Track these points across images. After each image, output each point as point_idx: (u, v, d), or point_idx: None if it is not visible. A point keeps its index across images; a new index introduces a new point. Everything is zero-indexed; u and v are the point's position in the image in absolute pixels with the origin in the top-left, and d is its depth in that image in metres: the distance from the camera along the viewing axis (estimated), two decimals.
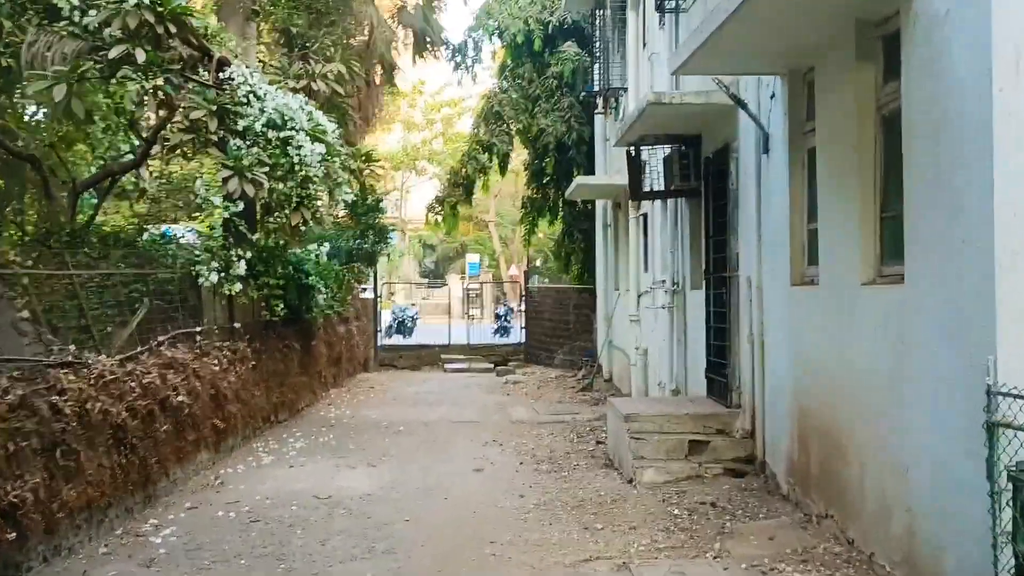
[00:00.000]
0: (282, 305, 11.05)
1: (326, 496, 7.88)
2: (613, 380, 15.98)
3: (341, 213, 15.24)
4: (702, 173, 9.52)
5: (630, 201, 13.24)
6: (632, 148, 10.18)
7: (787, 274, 7.09)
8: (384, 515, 7.21)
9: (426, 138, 42.62)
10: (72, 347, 6.57)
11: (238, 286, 9.74)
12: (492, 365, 20.70)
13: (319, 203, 10.70)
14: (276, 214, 10.20)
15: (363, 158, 13.67)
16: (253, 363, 10.68)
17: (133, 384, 7.14)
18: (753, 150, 7.84)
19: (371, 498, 7.80)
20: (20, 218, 11.77)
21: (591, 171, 17.11)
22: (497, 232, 50.16)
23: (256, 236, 10.40)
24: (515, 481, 8.40)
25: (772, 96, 7.42)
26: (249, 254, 9.99)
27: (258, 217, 10.76)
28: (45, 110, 10.43)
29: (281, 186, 9.72)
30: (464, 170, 19.85)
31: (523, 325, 21.85)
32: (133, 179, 11.99)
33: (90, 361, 6.62)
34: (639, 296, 13.35)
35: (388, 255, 28.37)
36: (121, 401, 6.85)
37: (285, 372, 12.29)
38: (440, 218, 20.18)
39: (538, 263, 50.52)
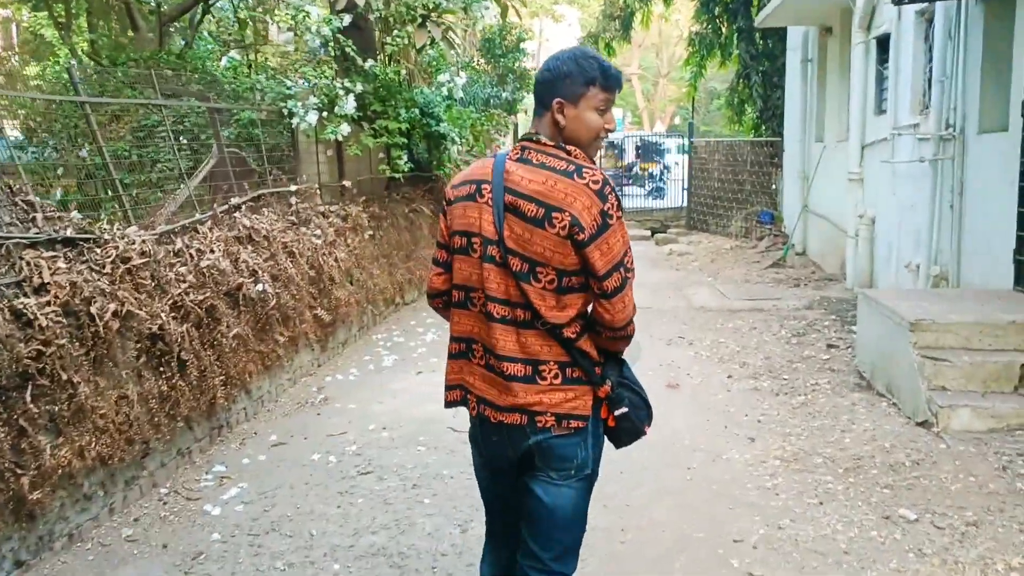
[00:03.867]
0: (406, 158, 8.52)
1: (467, 428, 5.50)
2: (808, 255, 12.95)
3: (478, 38, 12.36)
4: None
5: (857, 20, 9.85)
6: None
7: None
8: None
9: None
10: (76, 215, 4.24)
11: (345, 128, 7.24)
12: (649, 232, 17.91)
13: (450, 19, 7.97)
14: (396, 32, 7.54)
15: None
16: (370, 232, 8.33)
17: (183, 269, 4.83)
18: None
19: None
20: (95, 46, 9.58)
21: None
22: (640, 86, 46.12)
23: (370, 64, 7.80)
24: (732, 409, 5.79)
25: None
26: (360, 87, 7.43)
27: (375, 42, 8.17)
28: None
29: None
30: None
31: (686, 186, 18.77)
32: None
33: (106, 237, 4.30)
34: (863, 148, 10.14)
35: (526, 110, 25.56)
36: (160, 297, 4.55)
37: (412, 242, 9.94)
38: None
39: (677, 120, 46.70)
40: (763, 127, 16.94)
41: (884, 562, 3.66)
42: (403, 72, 8.70)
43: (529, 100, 22.20)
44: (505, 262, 2.21)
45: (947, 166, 7.56)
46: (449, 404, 2.50)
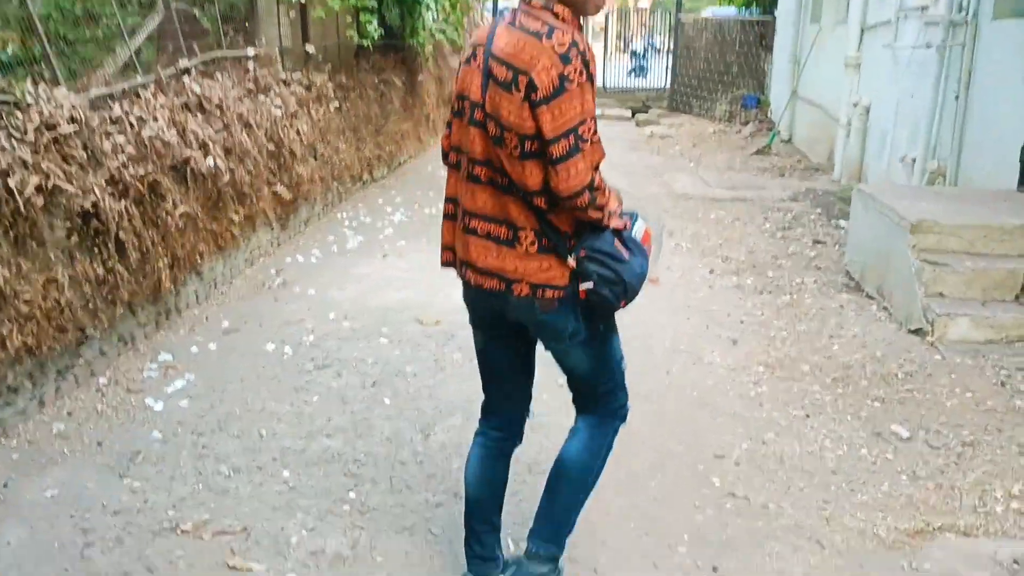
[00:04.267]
0: (376, 23, 7.84)
1: (433, 320, 5.16)
2: (795, 143, 12.50)
3: None
4: None
5: None
6: None
7: None
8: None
9: None
10: None
11: None
12: (630, 113, 17.28)
13: None
14: None
15: None
16: (336, 104, 7.75)
17: (121, 139, 4.32)
18: None
19: None
20: None
21: None
22: None
23: None
24: (714, 308, 5.49)
25: None
26: None
27: None
28: None
29: None
30: None
31: (670, 64, 18.02)
32: None
33: (28, 102, 3.77)
34: (863, 31, 9.58)
35: None
36: (95, 170, 4.07)
37: (382, 116, 9.35)
38: None
39: None
40: (755, 4, 16.15)
41: (875, 484, 3.42)
42: None
43: None
44: (484, 126, 2.19)
45: (955, 53, 7.08)
46: (445, 264, 2.52)
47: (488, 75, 2.16)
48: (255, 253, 6.17)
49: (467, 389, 4.14)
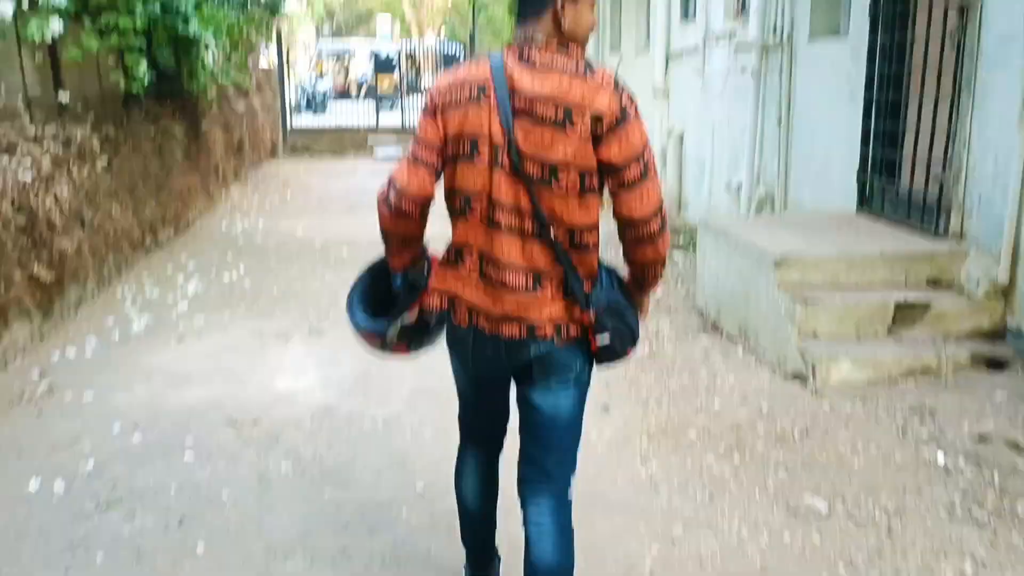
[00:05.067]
0: (145, 66, 6.73)
1: (250, 421, 4.22)
2: None
3: None
4: None
5: None
6: None
7: None
8: (381, 494, 3.64)
9: None
10: None
11: (57, 25, 5.46)
12: None
13: None
14: None
15: None
16: (105, 161, 6.58)
17: None
18: None
19: (332, 428, 4.20)
20: None
21: None
22: None
23: None
24: None
25: None
26: None
27: None
28: None
29: None
30: None
31: None
32: None
33: None
34: (668, 59, 9.48)
35: (290, 17, 23.30)
36: None
37: (163, 170, 8.18)
38: None
39: (442, 34, 45.18)
40: None
41: None
42: None
43: (294, 3, 20.02)
44: (518, 168, 2.15)
45: (773, 77, 6.96)
46: (425, 309, 2.38)
47: (522, 114, 2.12)
48: (8, 354, 4.96)
49: (305, 512, 3.27)
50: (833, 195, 6.17)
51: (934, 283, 4.66)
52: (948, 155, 4.69)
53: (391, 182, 2.26)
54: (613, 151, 2.10)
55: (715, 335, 5.36)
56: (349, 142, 17.21)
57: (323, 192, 12.17)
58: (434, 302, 2.35)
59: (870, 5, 5.46)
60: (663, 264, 2.28)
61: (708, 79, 8.34)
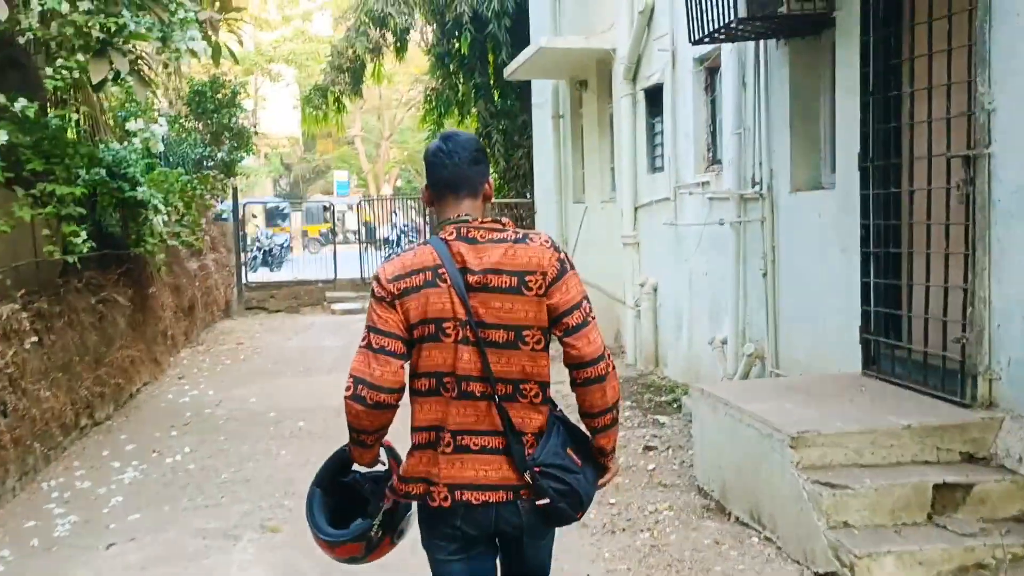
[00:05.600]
0: (85, 235, 6.21)
1: None
2: None
3: (185, 90, 10.26)
4: None
5: (622, 71, 9.00)
6: None
7: None
8: None
9: (283, 36, 36.33)
10: None
11: None
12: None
13: (143, 49, 5.95)
14: (62, 61, 5.41)
15: (216, 3, 8.78)
16: (35, 338, 5.97)
17: None
18: None
19: None
20: None
21: (519, 50, 12.55)
22: (364, 148, 44.87)
23: (22, 105, 5.54)
24: (564, 567, 4.22)
25: None
26: (5, 136, 5.18)
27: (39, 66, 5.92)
28: None
29: (63, 4, 4.96)
30: (351, 49, 14.95)
31: None
32: None
33: None
34: (636, 209, 9.25)
35: (247, 175, 23.31)
36: None
37: (103, 343, 7.55)
38: (321, 113, 15.23)
39: (399, 183, 45.83)
40: (507, 187, 16.05)
41: None
42: (79, 119, 6.48)
43: (248, 161, 19.91)
44: (480, 340, 2.27)
45: (754, 228, 6.66)
46: (405, 495, 2.38)
47: (471, 290, 2.27)
48: None
49: None
50: (831, 353, 5.74)
51: (969, 458, 4.17)
52: (967, 315, 4.29)
53: (358, 379, 2.26)
54: (557, 300, 2.30)
55: (723, 519, 4.76)
56: (306, 296, 16.73)
57: (279, 352, 11.54)
58: (411, 489, 2.35)
59: (859, 156, 5.19)
60: (616, 410, 2.39)
61: (681, 230, 8.06)
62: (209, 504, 5.48)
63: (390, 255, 2.44)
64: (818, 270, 5.87)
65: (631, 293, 9.26)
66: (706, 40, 6.14)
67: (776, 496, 4.29)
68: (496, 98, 16.09)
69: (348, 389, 2.26)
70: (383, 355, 2.25)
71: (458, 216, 2.35)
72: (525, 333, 2.28)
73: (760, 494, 4.46)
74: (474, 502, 2.28)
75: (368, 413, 2.27)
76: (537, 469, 2.27)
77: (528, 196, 14.66)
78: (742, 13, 5.60)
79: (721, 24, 5.79)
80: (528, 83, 13.65)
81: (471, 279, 2.26)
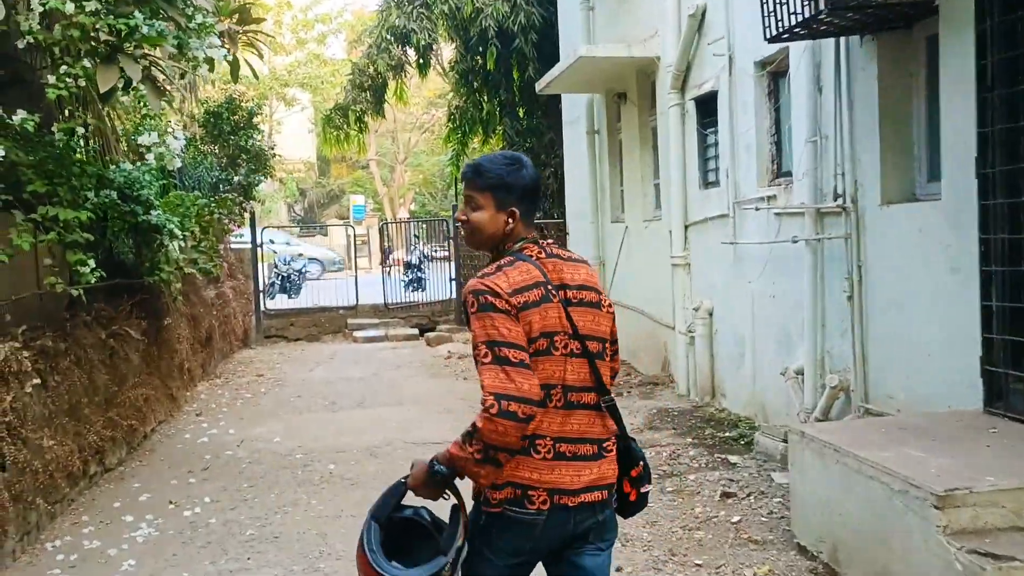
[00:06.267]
0: (92, 264, 5.57)
1: None
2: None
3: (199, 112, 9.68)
4: None
5: (670, 80, 8.36)
6: None
7: None
8: None
9: (298, 60, 35.96)
10: None
11: None
12: (417, 331, 15.64)
13: (156, 53, 5.35)
14: (66, 68, 4.81)
15: (235, 16, 8.20)
16: (37, 380, 5.32)
17: None
18: None
19: None
20: None
21: (546, 66, 11.97)
22: (379, 172, 44.45)
23: (21, 118, 4.92)
24: None
25: None
26: (1, 151, 4.56)
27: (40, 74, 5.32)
28: None
29: (68, 4, 4.36)
30: (373, 67, 14.40)
31: (453, 276, 16.72)
32: None
33: None
34: (687, 228, 8.57)
35: (263, 200, 22.85)
36: None
37: (114, 381, 6.90)
38: (342, 133, 14.65)
39: (413, 206, 45.33)
40: None
41: None
42: (87, 136, 5.88)
43: (264, 186, 19.29)
44: (584, 351, 2.40)
45: (833, 246, 5.98)
46: (538, 513, 2.36)
47: (570, 304, 2.40)
48: None
49: None
50: (934, 386, 5.04)
51: None
52: None
53: (501, 395, 2.22)
54: (611, 321, 2.57)
55: None
56: (327, 323, 16.11)
57: (301, 384, 10.88)
58: (507, 494, 2.35)
59: (976, 161, 4.50)
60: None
61: (742, 249, 7.38)
62: (234, 569, 4.80)
63: (486, 273, 2.39)
64: (918, 292, 5.17)
65: (681, 318, 8.56)
66: (784, 37, 5.47)
67: (913, 565, 3.57)
68: (522, 115, 15.53)
69: (492, 408, 2.21)
70: (523, 368, 2.27)
71: (535, 237, 2.49)
72: (607, 345, 2.52)
73: (891, 562, 3.74)
74: (570, 505, 2.36)
75: (519, 428, 2.24)
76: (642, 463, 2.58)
77: (556, 216, 14.01)
78: (831, 3, 4.95)
79: (804, 18, 5.14)
80: (555, 100, 13.07)
81: (570, 294, 2.42)
